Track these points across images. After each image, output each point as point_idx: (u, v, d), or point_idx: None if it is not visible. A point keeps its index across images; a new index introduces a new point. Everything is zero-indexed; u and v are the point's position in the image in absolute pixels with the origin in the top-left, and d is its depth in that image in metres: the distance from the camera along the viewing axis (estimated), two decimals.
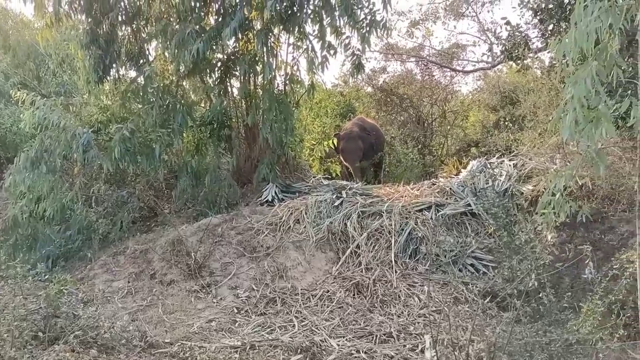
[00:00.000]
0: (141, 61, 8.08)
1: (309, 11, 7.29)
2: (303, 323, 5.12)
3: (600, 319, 3.65)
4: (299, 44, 7.94)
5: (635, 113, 3.14)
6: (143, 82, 7.72)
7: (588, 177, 5.09)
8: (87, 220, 6.90)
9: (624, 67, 3.40)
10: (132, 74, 8.43)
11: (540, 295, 3.94)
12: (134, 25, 8.05)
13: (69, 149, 6.95)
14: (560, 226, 5.09)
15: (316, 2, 7.21)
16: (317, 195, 7.41)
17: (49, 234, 6.92)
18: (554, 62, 7.09)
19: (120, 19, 7.78)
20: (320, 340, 4.67)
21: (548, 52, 8.48)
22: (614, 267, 3.80)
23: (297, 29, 7.43)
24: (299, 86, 8.27)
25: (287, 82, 8.15)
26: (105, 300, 5.60)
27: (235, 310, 5.43)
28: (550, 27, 8.06)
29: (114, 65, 8.07)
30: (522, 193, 6.46)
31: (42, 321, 4.36)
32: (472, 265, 5.98)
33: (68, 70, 10.68)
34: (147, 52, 8.18)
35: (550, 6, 8.01)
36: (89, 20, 7.78)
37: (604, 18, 3.08)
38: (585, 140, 3.37)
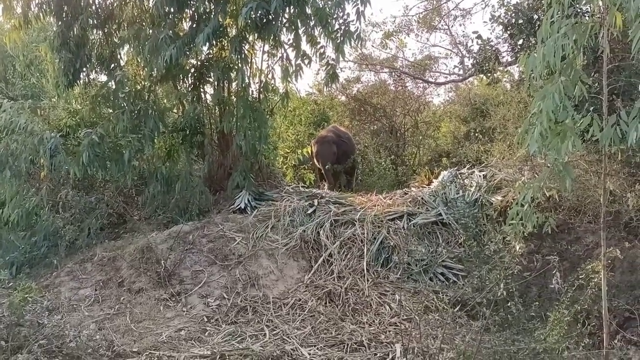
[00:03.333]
0: (112, 65, 7.94)
1: (284, 20, 7.29)
2: (274, 332, 5.09)
3: (566, 328, 3.74)
4: (273, 52, 7.94)
5: (595, 129, 3.24)
6: (114, 87, 7.60)
7: (555, 189, 5.21)
8: (54, 226, 6.75)
9: (589, 82, 3.50)
10: (103, 78, 8.30)
11: (509, 304, 4.01)
12: (106, 29, 7.93)
13: (36, 153, 6.79)
14: (528, 237, 5.17)
15: (292, 11, 7.23)
16: (290, 203, 7.40)
17: (14, 240, 6.74)
18: (523, 76, 7.26)
19: (91, 22, 7.66)
20: (292, 349, 4.65)
21: (517, 66, 8.67)
22: (580, 277, 3.89)
23: (272, 37, 7.41)
24: (273, 94, 8.26)
25: (262, 89, 8.14)
26: (72, 309, 5.48)
27: (206, 319, 5.37)
28: (520, 41, 8.24)
29: (84, 69, 7.93)
30: (492, 203, 6.58)
31: (5, 330, 4.25)
32: (442, 274, 6.05)
33: (36, 73, 10.45)
34: (119, 57, 8.05)
35: (520, 21, 8.20)
36: (59, 23, 7.65)
37: (570, 35, 3.18)
38: (553, 153, 3.46)
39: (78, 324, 5.01)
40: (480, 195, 6.84)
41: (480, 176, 7.34)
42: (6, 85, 10.46)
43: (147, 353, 4.50)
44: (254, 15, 6.72)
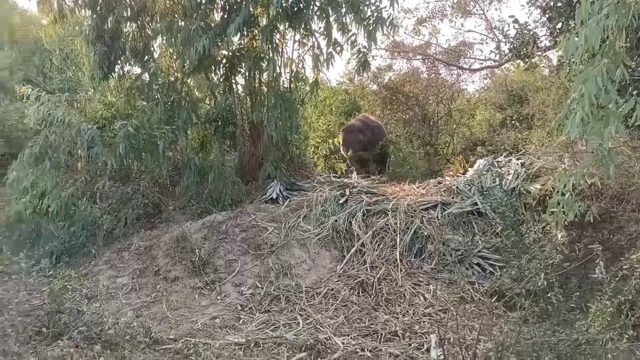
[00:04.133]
0: (146, 58, 8.05)
1: (315, 8, 7.23)
2: (307, 321, 5.09)
3: (609, 319, 3.61)
4: (304, 41, 7.89)
5: (639, 113, 3.10)
6: (148, 79, 7.70)
7: (597, 176, 5.03)
8: (92, 216, 6.90)
9: (632, 65, 3.35)
10: (137, 70, 8.43)
11: (549, 295, 3.89)
12: (139, 22, 8.03)
13: (74, 145, 6.95)
14: (568, 225, 5.04)
15: None
16: (322, 192, 7.38)
17: (53, 230, 6.90)
18: (563, 60, 7.04)
19: (125, 14, 7.76)
20: (325, 338, 4.63)
21: (556, 51, 8.42)
22: (624, 267, 3.75)
23: (303, 26, 7.37)
24: (304, 84, 8.22)
25: (293, 79, 8.11)
26: (110, 296, 5.58)
27: (239, 308, 5.40)
28: (559, 25, 7.98)
29: (118, 61, 8.07)
30: (530, 192, 6.39)
31: (46, 317, 4.35)
32: (478, 264, 5.93)
33: (72, 66, 10.68)
34: (152, 49, 8.16)
35: (559, 4, 7.94)
36: (94, 16, 7.78)
37: (612, 15, 3.04)
38: (596, 139, 3.33)
39: (116, 312, 5.10)
40: (518, 184, 6.66)
41: (517, 164, 7.14)
42: (44, 79, 10.73)
43: (183, 340, 4.55)
44: (285, 4, 6.70)
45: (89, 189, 7.27)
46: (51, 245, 6.80)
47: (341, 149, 9.70)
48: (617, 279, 3.79)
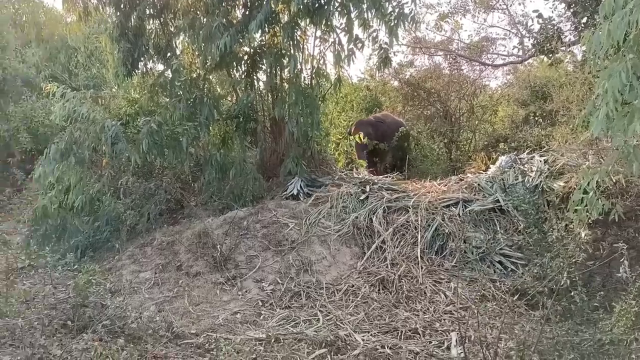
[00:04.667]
0: (169, 54, 8.14)
1: (337, 4, 7.22)
2: (327, 317, 5.10)
3: (634, 319, 3.54)
4: (325, 37, 7.89)
5: None
6: (171, 76, 7.79)
7: (622, 173, 4.93)
8: (115, 211, 7.01)
9: None
10: (160, 67, 8.53)
11: (572, 293, 3.84)
12: (162, 19, 8.11)
13: (98, 141, 7.04)
14: (592, 224, 4.96)
15: None
16: (343, 189, 7.38)
17: (78, 225, 7.02)
18: (587, 55, 6.91)
19: (148, 12, 7.85)
20: (345, 335, 4.64)
21: (581, 46, 8.26)
22: None
23: (324, 22, 7.36)
24: (325, 80, 8.22)
25: (314, 75, 8.11)
26: (133, 291, 5.67)
27: (260, 303, 5.44)
28: (584, 19, 7.84)
29: (142, 58, 8.16)
30: (554, 189, 6.29)
31: (71, 310, 4.43)
32: (500, 262, 5.87)
33: (97, 63, 10.84)
34: (174, 46, 8.24)
35: None
36: (118, 13, 7.87)
37: (637, 10, 2.97)
38: (621, 136, 3.27)
39: (139, 306, 5.18)
40: (541, 181, 6.56)
41: (541, 161, 7.04)
42: (69, 76, 10.91)
43: (205, 335, 4.61)
44: (306, 0, 6.69)
45: (113, 185, 7.38)
46: (76, 239, 6.92)
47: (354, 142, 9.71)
48: None
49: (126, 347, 4.00)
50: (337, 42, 7.56)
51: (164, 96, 8.23)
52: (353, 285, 5.71)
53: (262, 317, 5.15)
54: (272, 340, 4.47)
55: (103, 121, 7.08)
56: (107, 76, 9.41)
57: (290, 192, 7.54)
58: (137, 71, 8.28)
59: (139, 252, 6.57)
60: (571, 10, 8.40)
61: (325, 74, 8.15)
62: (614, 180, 5.06)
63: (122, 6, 7.80)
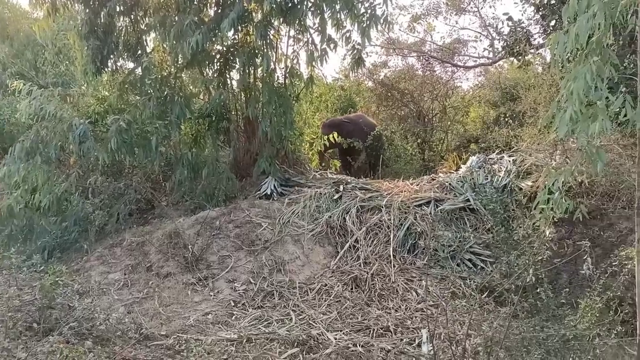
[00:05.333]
0: (139, 52, 8.01)
1: (310, 4, 7.21)
2: (300, 317, 5.11)
3: (598, 315, 3.64)
4: (299, 36, 7.88)
5: (627, 110, 3.12)
6: (141, 74, 7.67)
7: (587, 174, 5.06)
8: (84, 211, 6.88)
9: (618, 63, 3.36)
10: (130, 65, 8.39)
11: (538, 290, 3.92)
12: (132, 16, 7.98)
13: (66, 139, 6.91)
14: (558, 222, 5.06)
15: None
16: (316, 189, 7.39)
17: (45, 225, 6.88)
18: (553, 57, 7.07)
19: (118, 9, 7.71)
20: (317, 334, 4.65)
21: (547, 48, 8.43)
22: (613, 263, 3.78)
23: (297, 22, 7.35)
24: (298, 79, 8.21)
25: (287, 75, 8.10)
26: (101, 292, 5.57)
27: (232, 304, 5.42)
28: (552, 22, 8.00)
29: (111, 56, 8.01)
30: (521, 189, 6.44)
31: (36, 312, 4.35)
32: (470, 260, 5.96)
33: (65, 60, 10.61)
34: (145, 44, 8.10)
35: (552, 2, 7.96)
36: (87, 10, 7.71)
37: (600, 13, 3.04)
38: (584, 137, 3.34)
39: (107, 307, 5.09)
40: (509, 181, 6.70)
41: (509, 161, 7.18)
42: (36, 74, 10.65)
43: (175, 336, 4.56)
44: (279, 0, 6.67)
45: (81, 184, 7.24)
46: (43, 240, 6.77)
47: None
48: (606, 275, 3.81)
49: (94, 349, 3.94)
50: (310, 41, 7.57)
51: (134, 94, 8.12)
52: (326, 285, 5.73)
53: (234, 317, 5.13)
54: (244, 341, 4.45)
55: (71, 119, 6.95)
56: (76, 74, 9.22)
57: (264, 191, 7.51)
58: (106, 69, 8.14)
59: (108, 253, 6.47)
60: (540, 13, 8.56)
61: (298, 73, 8.14)
62: (579, 180, 5.18)
63: (91, 3, 7.65)
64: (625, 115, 3.11)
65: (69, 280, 5.04)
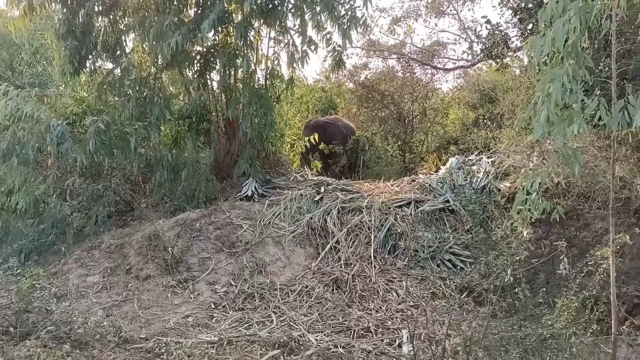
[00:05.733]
0: (118, 53, 7.92)
1: (290, 5, 7.23)
2: (281, 318, 5.10)
3: (574, 314, 3.71)
4: (279, 38, 7.87)
5: (602, 112, 3.18)
6: (120, 74, 7.59)
7: (563, 175, 5.15)
8: (62, 213, 6.78)
9: (593, 66, 3.43)
10: (109, 65, 8.29)
11: (516, 290, 3.98)
12: (111, 16, 7.89)
13: (43, 141, 6.80)
14: (536, 223, 5.15)
15: None
16: (297, 190, 7.39)
17: (22, 228, 6.77)
18: (530, 60, 7.18)
19: (97, 9, 7.62)
20: (299, 336, 4.65)
21: (525, 51, 8.56)
22: (589, 263, 3.85)
23: (278, 23, 7.35)
24: (279, 81, 8.21)
25: (268, 76, 8.09)
26: (80, 295, 5.51)
27: (213, 306, 5.39)
28: (530, 26, 8.12)
29: (90, 56, 7.91)
30: (500, 190, 6.52)
31: (13, 316, 4.29)
32: (449, 260, 6.02)
33: (42, 61, 10.44)
34: (124, 44, 8.01)
35: (530, 5, 8.08)
36: (65, 10, 7.61)
37: (575, 18, 3.11)
38: (561, 138, 3.40)
39: (86, 311, 5.04)
40: (488, 182, 6.79)
41: (488, 163, 7.27)
42: (13, 74, 10.47)
43: (155, 339, 4.52)
44: (259, 1, 6.67)
45: (59, 186, 7.14)
46: (20, 243, 6.67)
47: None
48: (582, 274, 3.88)
49: (72, 353, 3.90)
50: (291, 43, 7.56)
51: (113, 95, 8.01)
52: (307, 286, 5.74)
53: (214, 319, 5.10)
54: (225, 343, 4.43)
55: (48, 120, 6.84)
56: (53, 74, 9.09)
57: (245, 193, 7.49)
58: (85, 69, 8.04)
59: (86, 255, 6.38)
60: (517, 17, 8.68)
61: (279, 74, 8.14)
62: (556, 182, 5.27)
63: (69, 3, 7.54)
64: (600, 118, 3.18)
65: (46, 283, 4.98)
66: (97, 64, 8.28)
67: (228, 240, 6.40)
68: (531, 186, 3.60)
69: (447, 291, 5.37)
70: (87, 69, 8.11)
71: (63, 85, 8.58)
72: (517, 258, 3.94)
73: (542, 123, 3.23)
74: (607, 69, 5.65)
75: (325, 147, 9.56)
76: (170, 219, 6.87)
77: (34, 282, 4.49)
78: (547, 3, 3.37)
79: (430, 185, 7.28)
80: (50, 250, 6.73)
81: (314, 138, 9.07)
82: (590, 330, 3.66)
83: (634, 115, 2.96)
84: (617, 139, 3.99)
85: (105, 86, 7.84)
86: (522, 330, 3.75)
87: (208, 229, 6.59)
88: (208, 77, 8.23)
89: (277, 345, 4.43)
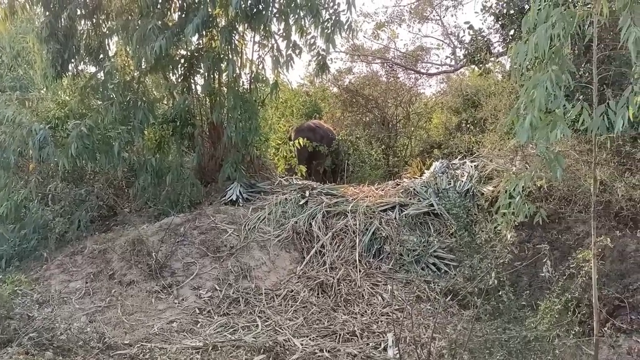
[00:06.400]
0: (101, 56, 7.85)
1: (275, 10, 7.24)
2: (267, 323, 5.09)
3: (557, 316, 3.75)
4: (264, 42, 7.88)
5: (585, 117, 3.24)
6: (103, 78, 7.52)
7: (546, 179, 5.23)
8: (43, 218, 6.68)
9: (575, 71, 3.50)
10: (92, 69, 8.21)
11: (500, 293, 4.02)
12: (94, 20, 7.83)
13: (24, 145, 6.71)
14: (519, 226, 5.21)
15: (282, 1, 7.17)
16: (282, 194, 7.39)
17: (3, 233, 6.65)
18: (513, 66, 7.28)
19: (79, 12, 7.56)
20: (284, 340, 4.65)
21: (508, 57, 8.67)
22: (571, 266, 3.91)
23: (262, 27, 7.36)
24: (264, 85, 8.20)
25: (252, 80, 8.09)
26: (62, 301, 5.43)
27: (198, 311, 5.36)
28: (512, 32, 8.23)
29: (72, 60, 7.83)
30: (483, 194, 6.59)
31: None
32: (434, 264, 6.07)
33: (24, 64, 10.31)
34: (107, 48, 7.94)
35: (512, 12, 8.19)
36: (47, 13, 7.53)
37: (559, 24, 3.17)
38: (544, 143, 3.45)
39: (69, 317, 4.97)
40: (471, 186, 6.86)
41: (471, 167, 7.35)
42: None
43: (139, 345, 4.48)
44: (243, 5, 6.67)
45: (41, 191, 7.04)
46: (0, 249, 6.55)
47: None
48: (564, 277, 3.93)
49: None
50: (275, 47, 7.58)
51: (96, 99, 7.94)
52: (292, 290, 5.73)
53: (199, 325, 5.07)
54: (210, 348, 4.41)
55: (30, 124, 6.75)
56: (35, 78, 8.98)
57: (229, 197, 7.47)
58: (67, 73, 7.95)
59: (68, 261, 6.30)
60: (499, 23, 8.79)
61: (264, 79, 8.14)
62: (538, 185, 5.34)
63: (51, 5, 7.47)
64: (582, 123, 3.24)
65: (28, 289, 4.92)
66: (80, 68, 8.22)
67: (213, 245, 6.37)
68: (514, 190, 3.65)
69: (431, 294, 5.40)
70: (70, 73, 8.03)
71: (45, 89, 8.47)
72: (501, 261, 3.98)
73: (527, 128, 3.28)
74: (587, 74, 5.76)
75: (309, 144, 9.53)
76: (154, 224, 6.82)
77: (16, 288, 4.45)
78: (529, 9, 3.44)
79: (414, 189, 7.33)
80: (32, 256, 6.62)
81: (298, 142, 9.07)
82: (573, 332, 3.70)
83: (614, 120, 3.02)
84: (598, 144, 4.05)
85: (88, 90, 7.77)
86: (506, 333, 3.78)
87: (192, 234, 6.55)
88: (192, 81, 8.20)
89: (262, 350, 4.42)
